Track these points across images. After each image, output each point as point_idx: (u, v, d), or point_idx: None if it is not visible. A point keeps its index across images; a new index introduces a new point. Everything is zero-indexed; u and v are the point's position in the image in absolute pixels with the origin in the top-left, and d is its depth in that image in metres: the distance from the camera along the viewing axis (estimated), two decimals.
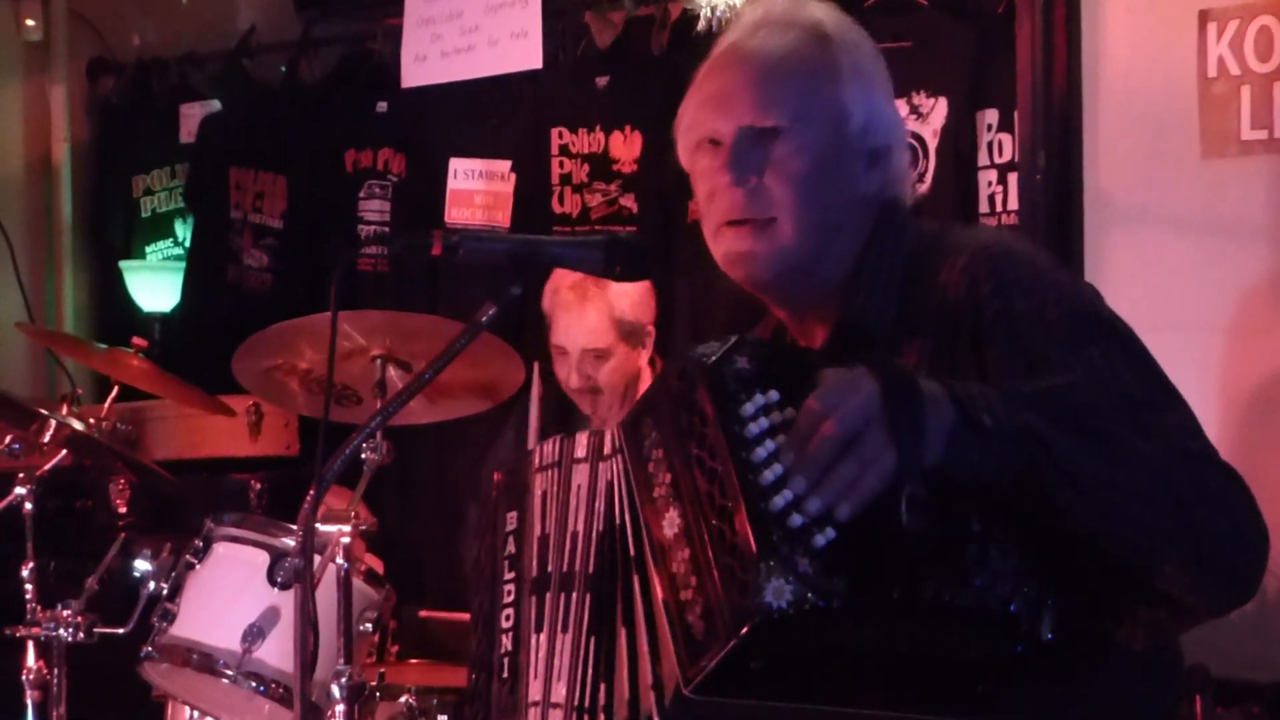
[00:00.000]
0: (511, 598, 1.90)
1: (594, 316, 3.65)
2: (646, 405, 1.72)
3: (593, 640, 1.74)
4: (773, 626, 1.52)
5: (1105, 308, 1.88)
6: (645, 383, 3.81)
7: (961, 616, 1.60)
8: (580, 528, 1.80)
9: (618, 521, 1.74)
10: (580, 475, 1.82)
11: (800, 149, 1.91)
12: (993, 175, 4.03)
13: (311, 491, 1.91)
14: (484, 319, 1.93)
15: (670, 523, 1.64)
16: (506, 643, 1.89)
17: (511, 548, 1.92)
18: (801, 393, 1.61)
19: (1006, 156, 3.98)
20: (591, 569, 1.76)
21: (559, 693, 1.78)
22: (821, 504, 1.55)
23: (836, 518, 1.55)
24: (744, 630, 1.53)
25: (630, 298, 3.64)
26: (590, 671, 1.74)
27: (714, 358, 1.63)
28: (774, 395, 1.61)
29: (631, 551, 1.72)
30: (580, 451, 1.83)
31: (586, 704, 1.74)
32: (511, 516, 1.93)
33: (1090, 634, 1.74)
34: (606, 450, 1.78)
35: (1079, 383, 1.74)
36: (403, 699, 3.24)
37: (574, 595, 1.79)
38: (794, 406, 1.61)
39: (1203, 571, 1.72)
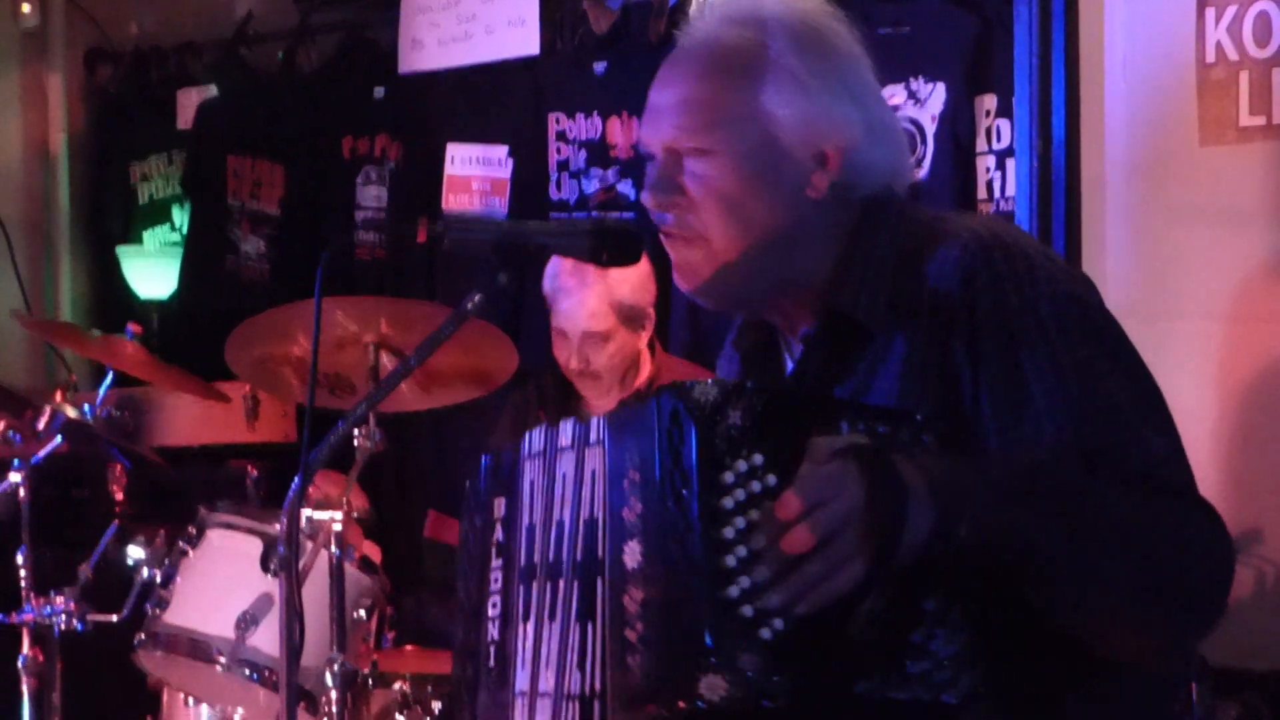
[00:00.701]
0: (499, 585, 1.88)
1: (594, 301, 3.64)
2: (635, 422, 1.68)
3: (578, 628, 1.73)
4: (699, 713, 1.54)
5: (1097, 304, 1.85)
6: (645, 366, 3.81)
7: (892, 707, 1.61)
8: (566, 516, 1.77)
9: (597, 514, 1.72)
10: (566, 463, 1.79)
11: (724, 167, 1.85)
12: (991, 161, 4.02)
13: (296, 480, 1.90)
14: (469, 307, 1.92)
15: (631, 554, 1.63)
16: (494, 631, 1.87)
17: (500, 535, 1.90)
18: (789, 458, 1.59)
19: (1005, 142, 3.97)
20: (579, 556, 1.74)
21: (548, 681, 1.76)
22: (779, 602, 1.55)
23: (792, 614, 1.55)
24: (670, 711, 1.56)
25: (630, 282, 3.64)
26: (575, 658, 1.73)
27: (708, 409, 1.60)
28: (759, 459, 1.60)
29: (599, 553, 1.70)
30: (565, 440, 1.81)
31: (573, 692, 1.73)
32: (500, 503, 1.91)
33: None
34: (593, 438, 1.75)
35: (1068, 448, 1.72)
36: (396, 686, 3.23)
37: (560, 583, 1.77)
38: (777, 473, 1.60)
39: (1173, 629, 1.74)
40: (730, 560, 1.56)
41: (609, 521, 1.68)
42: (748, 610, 1.55)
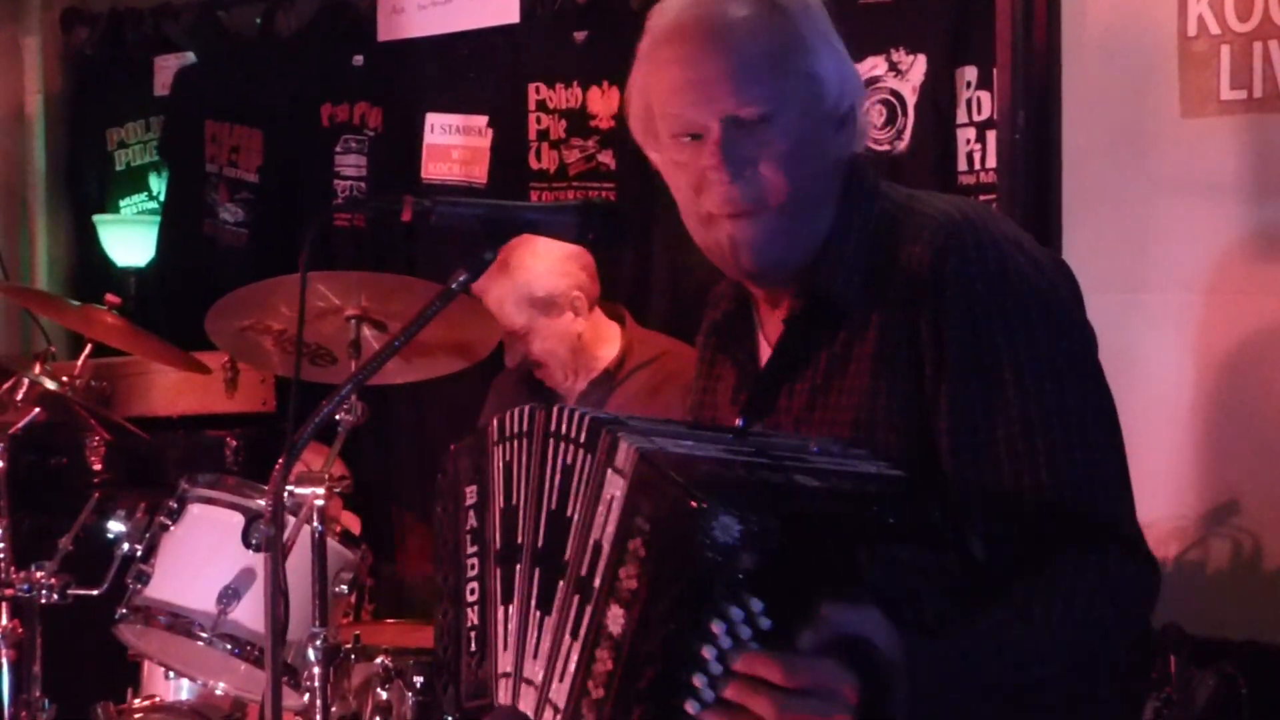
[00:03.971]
0: (475, 571, 1.87)
1: (500, 301, 3.66)
2: (656, 499, 1.61)
3: (570, 638, 1.69)
4: None
5: (1064, 299, 1.86)
6: (610, 342, 3.79)
7: None
8: (576, 518, 1.71)
9: (604, 543, 1.66)
10: (580, 462, 1.72)
11: (786, 133, 1.87)
12: (971, 133, 4.01)
13: (281, 460, 1.89)
14: (455, 285, 1.91)
15: (614, 620, 1.62)
16: (473, 616, 1.87)
17: (473, 521, 1.89)
18: (792, 615, 1.57)
19: (985, 114, 3.96)
20: (583, 572, 1.69)
21: (533, 671, 1.76)
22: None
23: None
24: None
25: (535, 272, 3.65)
26: (562, 664, 1.70)
27: (723, 555, 1.54)
28: (758, 605, 1.56)
29: (596, 582, 1.67)
30: (581, 434, 1.73)
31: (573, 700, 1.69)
32: (471, 490, 1.89)
33: None
34: (619, 463, 1.66)
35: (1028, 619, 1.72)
36: (378, 660, 3.23)
37: (558, 583, 1.72)
38: (771, 619, 1.57)
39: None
40: (692, 707, 1.56)
41: (607, 571, 1.64)
42: None
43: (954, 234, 1.82)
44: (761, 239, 1.89)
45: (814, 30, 1.90)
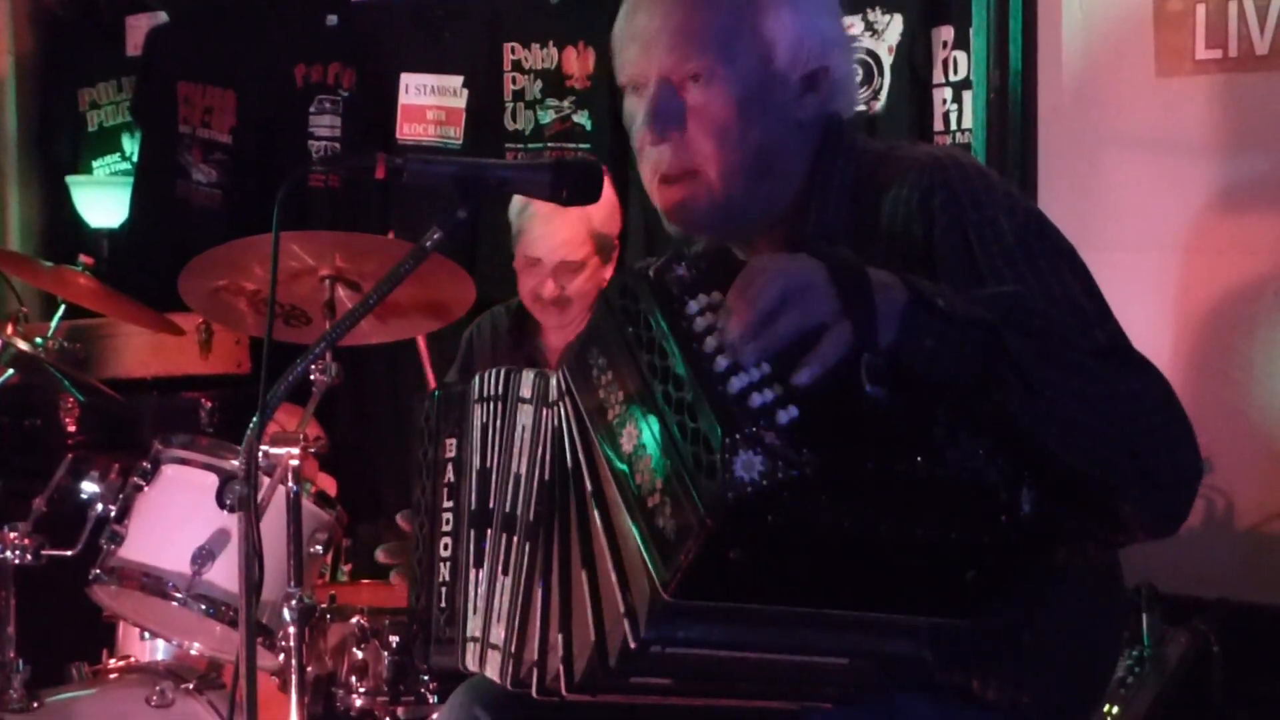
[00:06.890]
0: (449, 527, 1.88)
1: (570, 228, 3.60)
2: (591, 334, 1.66)
3: (538, 589, 1.69)
4: (747, 503, 1.45)
5: (1051, 223, 1.85)
6: None
7: (938, 489, 1.52)
8: (523, 470, 1.76)
9: (570, 464, 1.67)
10: (524, 416, 1.78)
11: (721, 94, 1.83)
12: (948, 93, 4.02)
13: (255, 418, 1.89)
14: (429, 244, 1.91)
15: (629, 437, 1.57)
16: (444, 572, 1.88)
17: (450, 475, 1.89)
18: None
19: (962, 74, 3.97)
20: (533, 516, 1.72)
21: (497, 634, 1.76)
22: (771, 367, 1.48)
23: (795, 383, 1.49)
24: (719, 511, 1.45)
25: (603, 210, 3.60)
26: (538, 620, 1.69)
27: (652, 268, 1.59)
28: (716, 296, 1.56)
29: (588, 488, 1.63)
30: (525, 391, 1.79)
31: (532, 654, 1.70)
32: (450, 443, 1.90)
33: (1058, 526, 1.65)
34: (552, 396, 1.72)
35: (1029, 292, 1.71)
36: (354, 620, 3.23)
37: (514, 539, 1.75)
38: None
39: (1148, 486, 1.68)
40: (721, 363, 1.50)
41: (599, 437, 1.63)
42: (756, 399, 1.47)
43: (939, 170, 1.81)
44: (693, 208, 1.87)
45: None
